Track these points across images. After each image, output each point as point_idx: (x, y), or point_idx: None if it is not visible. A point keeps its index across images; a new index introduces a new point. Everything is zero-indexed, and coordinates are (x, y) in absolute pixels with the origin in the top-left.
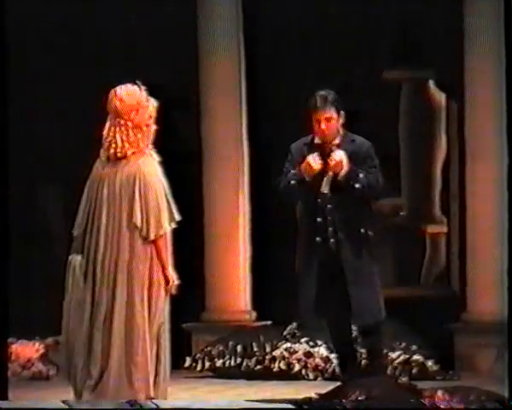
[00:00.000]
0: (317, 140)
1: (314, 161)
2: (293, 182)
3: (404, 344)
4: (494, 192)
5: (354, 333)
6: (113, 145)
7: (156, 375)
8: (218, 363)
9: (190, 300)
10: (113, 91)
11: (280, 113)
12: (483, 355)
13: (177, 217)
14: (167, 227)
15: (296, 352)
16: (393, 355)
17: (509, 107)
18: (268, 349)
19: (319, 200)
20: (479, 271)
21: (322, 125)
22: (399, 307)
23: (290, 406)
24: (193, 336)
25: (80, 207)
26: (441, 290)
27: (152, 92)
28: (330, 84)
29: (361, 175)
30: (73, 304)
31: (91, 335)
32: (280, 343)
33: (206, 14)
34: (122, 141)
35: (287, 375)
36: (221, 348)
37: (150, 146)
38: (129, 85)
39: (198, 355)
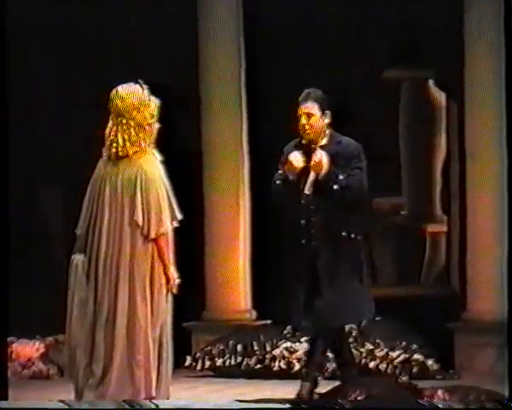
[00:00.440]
0: (303, 140)
1: (295, 158)
2: (278, 182)
3: (404, 343)
4: (494, 191)
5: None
6: (115, 145)
7: (158, 374)
8: (219, 362)
9: (191, 299)
10: (114, 90)
11: (280, 113)
12: (483, 355)
13: (179, 216)
14: (168, 226)
15: (296, 351)
16: (394, 354)
17: (509, 106)
18: (268, 348)
19: (303, 201)
20: (479, 270)
21: (302, 120)
22: (400, 307)
23: (288, 405)
24: (193, 335)
25: (83, 206)
26: (441, 290)
27: (152, 92)
28: (330, 84)
29: (341, 177)
30: (76, 303)
31: (94, 333)
32: (280, 342)
33: (205, 14)
34: (124, 140)
35: (287, 374)
36: (221, 347)
37: (152, 145)
38: (131, 84)
39: (198, 354)
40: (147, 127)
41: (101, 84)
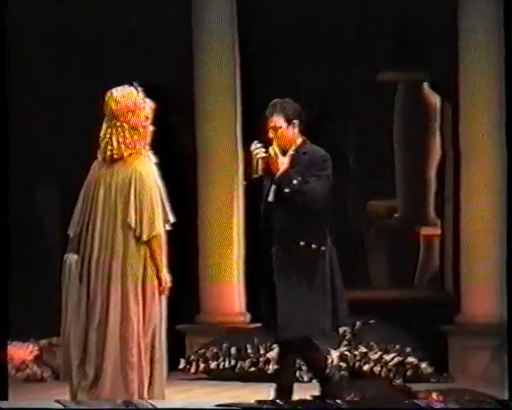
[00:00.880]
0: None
1: (254, 146)
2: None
3: (398, 346)
4: (488, 194)
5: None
6: (110, 147)
7: (151, 376)
8: (213, 365)
9: (185, 302)
10: (109, 93)
11: None
12: (477, 357)
13: (172, 219)
14: (161, 228)
15: None
16: (387, 357)
17: (508, 109)
18: (262, 351)
19: (266, 208)
20: (473, 273)
21: (270, 134)
22: (393, 310)
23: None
24: (187, 337)
25: (76, 207)
26: (435, 292)
27: (148, 94)
28: (326, 85)
29: (294, 181)
30: (70, 303)
31: (87, 334)
32: (274, 345)
33: (200, 15)
34: (118, 143)
35: None
36: (215, 350)
37: (147, 147)
38: (125, 87)
39: (192, 357)
40: (141, 130)
41: (100, 84)
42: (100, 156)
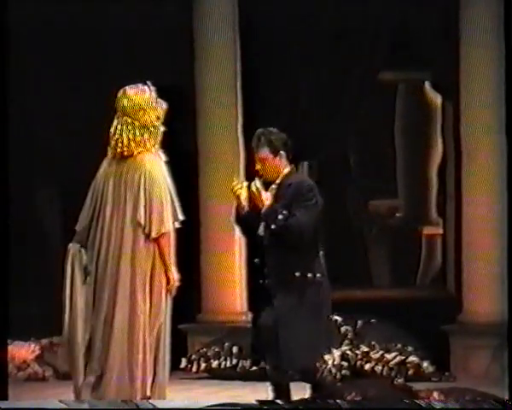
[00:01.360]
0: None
1: (235, 183)
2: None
3: (399, 345)
4: (489, 194)
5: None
6: (120, 144)
7: (155, 374)
8: (214, 364)
9: (186, 301)
10: (122, 90)
11: (276, 113)
12: (478, 357)
13: (181, 217)
14: (170, 226)
15: None
16: (389, 357)
17: (508, 109)
18: None
19: (258, 242)
20: (474, 272)
21: (257, 166)
22: (395, 309)
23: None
24: (189, 337)
25: (85, 203)
26: (437, 292)
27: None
28: (326, 86)
29: (280, 217)
30: (74, 299)
31: (94, 330)
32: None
33: (201, 14)
34: (129, 140)
35: None
36: (217, 349)
37: (157, 146)
38: (139, 85)
39: (194, 356)
40: (152, 129)
41: (100, 83)
42: (110, 153)
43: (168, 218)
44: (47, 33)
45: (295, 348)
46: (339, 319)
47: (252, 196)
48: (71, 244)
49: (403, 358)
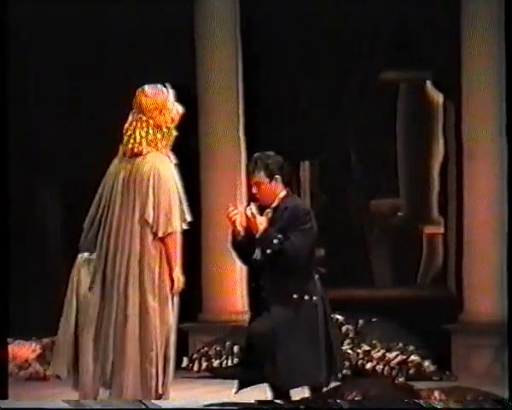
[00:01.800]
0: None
1: (230, 209)
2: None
3: (400, 345)
4: (491, 193)
5: None
6: (132, 141)
7: (164, 374)
8: (215, 363)
9: (188, 300)
10: (140, 88)
11: (277, 112)
12: (480, 356)
13: (189, 217)
14: (177, 226)
15: None
16: (390, 356)
17: (509, 108)
18: None
19: (255, 266)
20: (476, 271)
21: (253, 190)
22: (396, 308)
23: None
24: (190, 336)
25: (94, 200)
26: (438, 291)
27: None
28: (326, 86)
29: (275, 241)
30: (81, 300)
31: (106, 331)
32: None
33: (202, 14)
34: (141, 137)
35: None
36: (218, 348)
37: (168, 148)
38: (158, 85)
39: (195, 356)
40: (165, 130)
41: (100, 84)
42: (121, 149)
43: (175, 218)
44: (47, 33)
45: (291, 369)
46: (340, 318)
47: (247, 221)
48: (80, 255)
49: (404, 357)
